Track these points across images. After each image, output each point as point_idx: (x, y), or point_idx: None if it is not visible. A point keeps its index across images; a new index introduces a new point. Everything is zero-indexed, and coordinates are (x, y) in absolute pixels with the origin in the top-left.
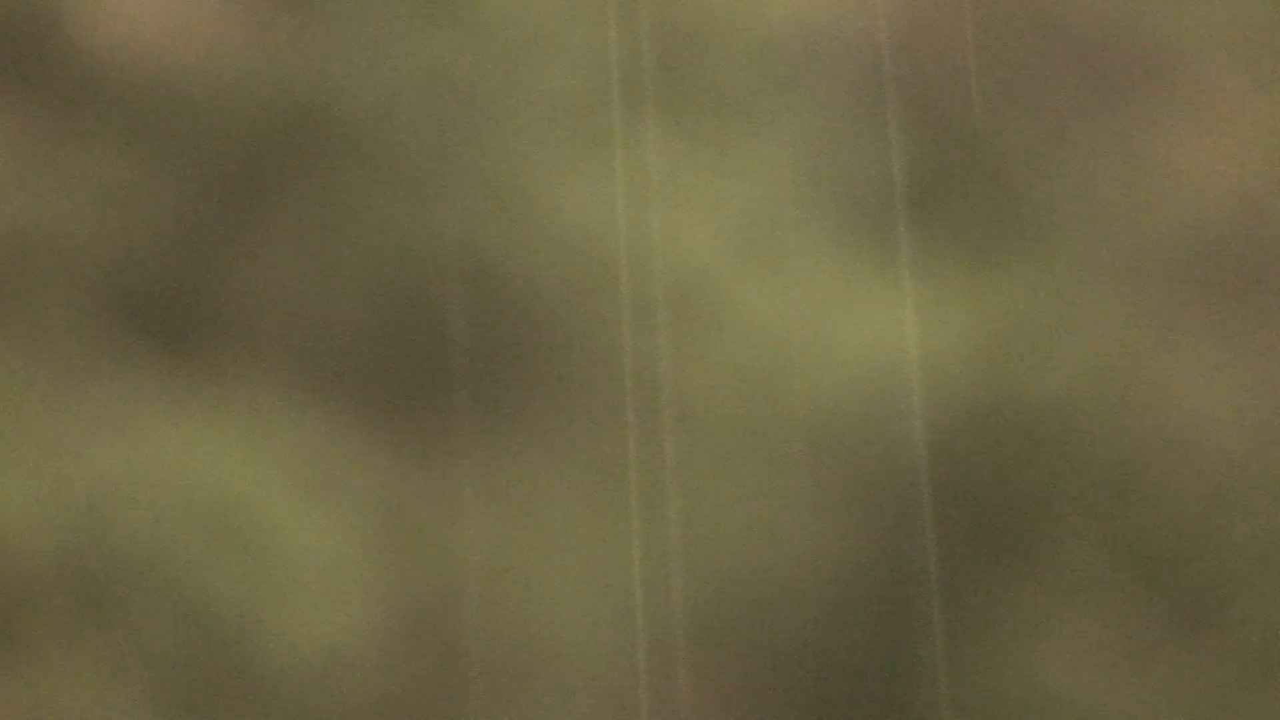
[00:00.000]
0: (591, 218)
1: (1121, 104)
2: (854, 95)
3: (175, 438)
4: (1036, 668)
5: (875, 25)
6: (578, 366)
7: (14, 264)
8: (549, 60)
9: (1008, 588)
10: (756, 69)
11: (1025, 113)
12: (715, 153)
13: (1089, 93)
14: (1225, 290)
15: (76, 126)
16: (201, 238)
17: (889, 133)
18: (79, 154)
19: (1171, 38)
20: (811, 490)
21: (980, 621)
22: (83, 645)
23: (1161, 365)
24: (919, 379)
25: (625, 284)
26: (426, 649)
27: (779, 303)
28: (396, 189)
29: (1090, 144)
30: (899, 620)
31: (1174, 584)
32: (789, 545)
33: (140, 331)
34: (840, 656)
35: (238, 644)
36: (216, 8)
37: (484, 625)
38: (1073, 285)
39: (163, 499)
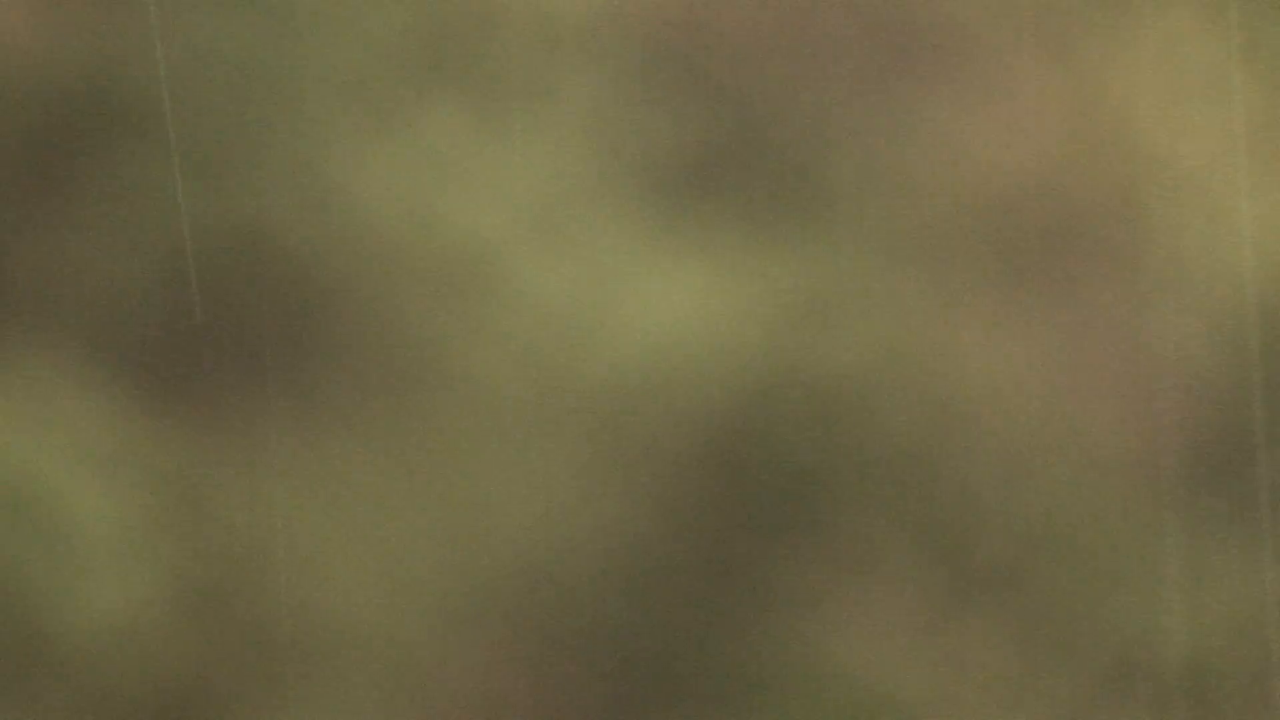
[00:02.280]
0: (379, 194)
1: (910, 79)
2: (641, 70)
3: None
4: (825, 642)
5: (671, 1)
6: (363, 342)
7: None
8: (339, 38)
9: (796, 563)
10: (543, 45)
11: (813, 87)
12: (503, 129)
13: (877, 67)
14: (1014, 264)
15: None
16: None
17: (676, 108)
18: None
19: (960, 11)
20: (598, 465)
21: (769, 597)
22: None
23: (949, 339)
24: (706, 353)
25: (411, 260)
26: (215, 624)
27: (566, 278)
28: (185, 167)
29: (878, 118)
30: (687, 596)
31: (963, 558)
32: (575, 521)
33: None
34: (629, 632)
35: (20, 618)
36: None
37: (272, 600)
38: (861, 259)
39: None
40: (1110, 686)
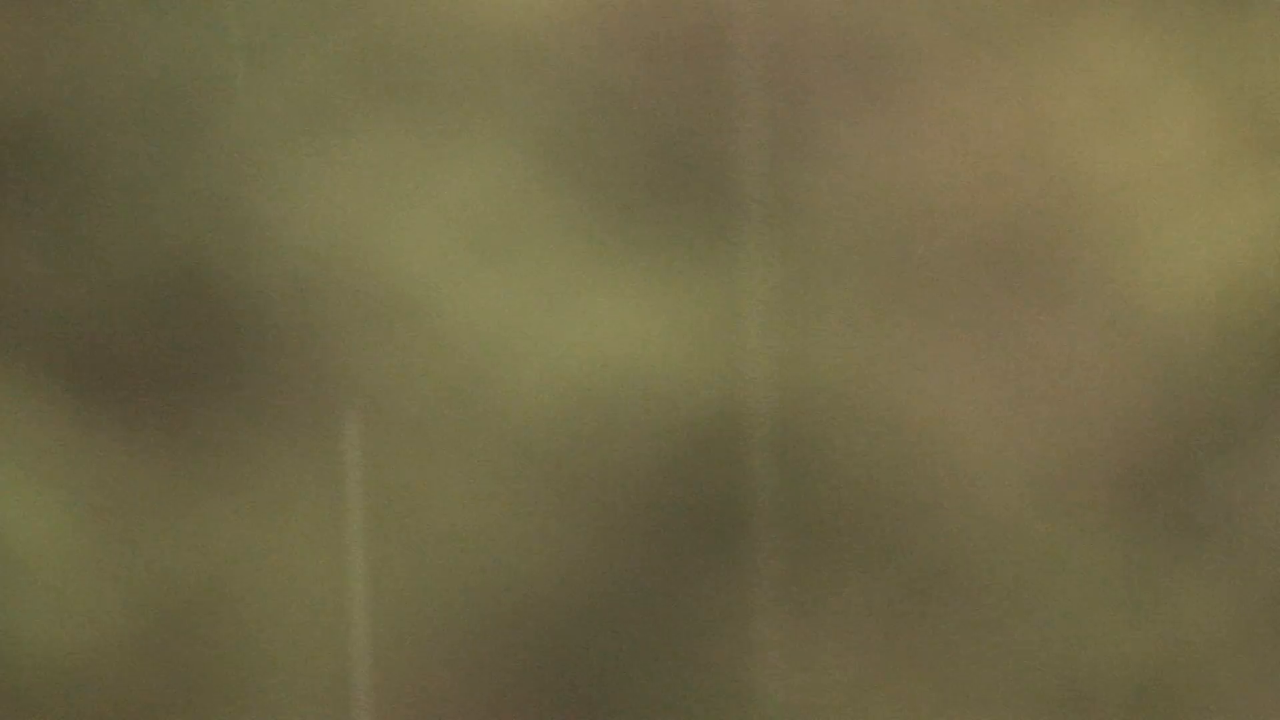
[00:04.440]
0: (311, 215)
1: (845, 98)
2: (582, 88)
3: None
4: (763, 668)
5: (609, 19)
6: (297, 370)
7: None
8: (271, 59)
9: (734, 588)
10: (482, 61)
11: (750, 104)
12: (441, 148)
13: (811, 85)
14: (949, 282)
15: None
16: None
17: (618, 126)
18: None
19: (892, 31)
20: (537, 492)
21: (708, 624)
22: None
23: (891, 360)
24: (649, 377)
25: (344, 283)
26: (159, 649)
27: (504, 300)
28: (116, 192)
29: (815, 137)
30: (628, 622)
31: (902, 580)
32: (505, 552)
33: None
34: (570, 660)
35: None
36: None
37: (209, 629)
38: (805, 281)
39: None
40: (1039, 710)
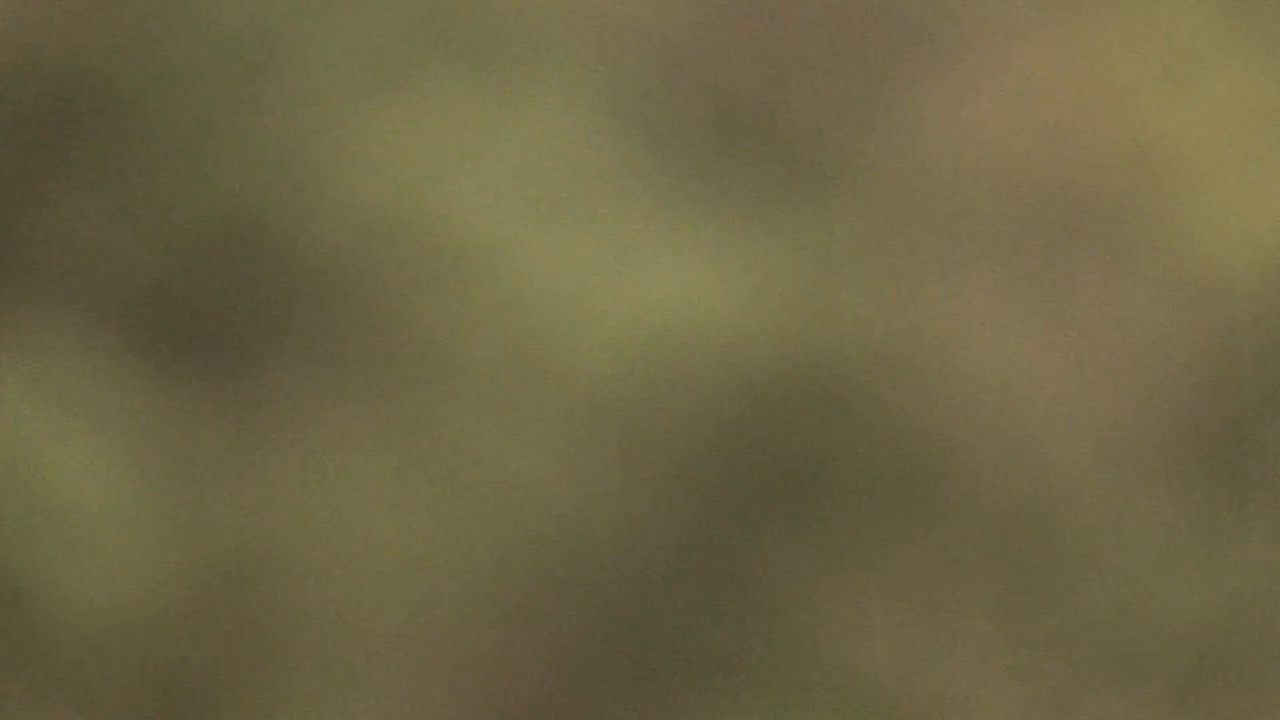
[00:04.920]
0: (373, 173)
1: (910, 64)
2: (647, 47)
3: None
4: (820, 631)
5: None
6: (359, 327)
7: None
8: (332, 12)
9: (795, 551)
10: (547, 17)
11: (816, 68)
12: (504, 104)
13: (877, 51)
14: (1012, 248)
15: None
16: None
17: (683, 85)
18: None
19: None
20: (600, 452)
21: (768, 586)
22: None
23: (951, 322)
24: (712, 337)
25: (407, 241)
26: (218, 608)
27: (568, 259)
28: (176, 149)
29: (880, 102)
30: (687, 584)
31: (959, 542)
32: (576, 508)
33: None
34: (629, 621)
35: (18, 603)
36: None
37: (275, 589)
38: (863, 242)
39: None
40: (1102, 668)
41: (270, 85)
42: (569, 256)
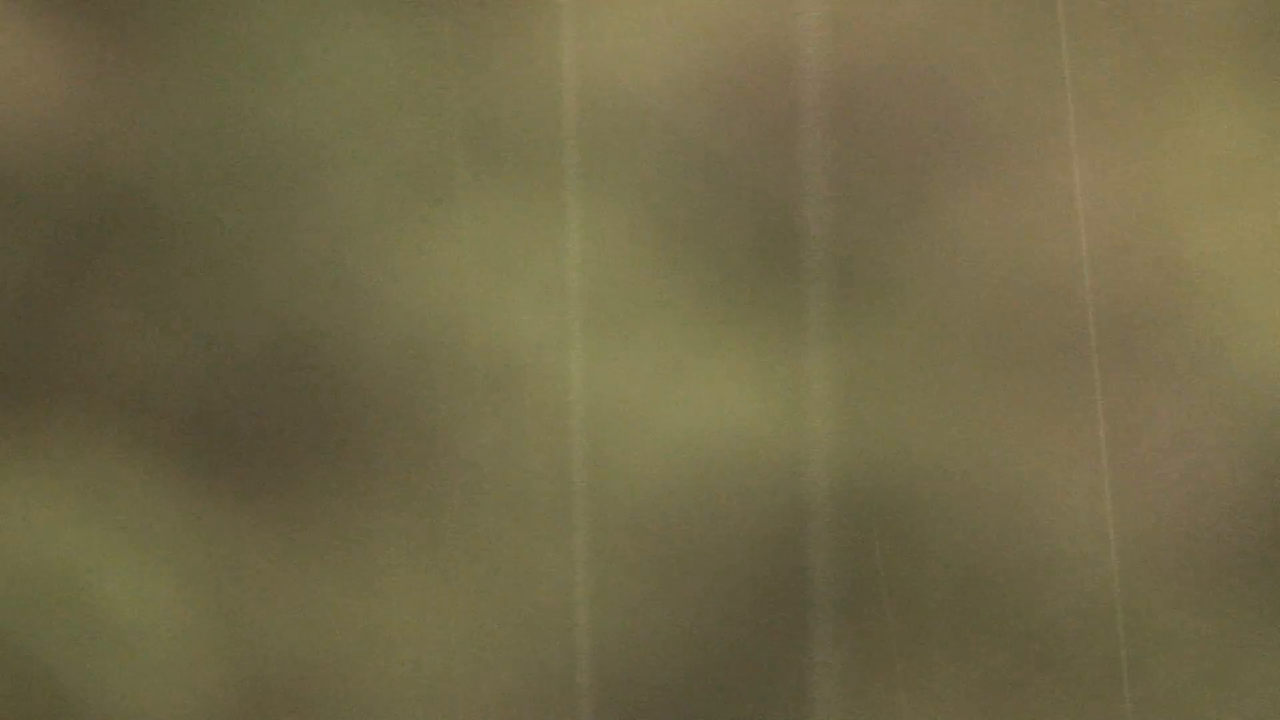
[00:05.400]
0: (419, 287)
1: (973, 170)
2: (694, 162)
3: (6, 500)
4: None
5: (721, 91)
6: (401, 444)
7: None
8: (380, 125)
9: (840, 666)
10: (594, 133)
11: (874, 177)
12: (547, 220)
13: (939, 158)
14: (1050, 361)
15: None
16: (34, 307)
17: (729, 201)
18: None
19: (994, 108)
20: (645, 569)
21: (814, 703)
22: None
23: (1006, 437)
24: (759, 453)
25: (451, 357)
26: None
27: (614, 376)
28: (220, 258)
29: (941, 211)
30: (730, 702)
31: (1005, 655)
32: (610, 626)
33: None
34: None
35: (65, 715)
36: (48, 87)
37: (313, 704)
38: (912, 356)
39: None
40: None
41: (314, 196)
42: (612, 371)
